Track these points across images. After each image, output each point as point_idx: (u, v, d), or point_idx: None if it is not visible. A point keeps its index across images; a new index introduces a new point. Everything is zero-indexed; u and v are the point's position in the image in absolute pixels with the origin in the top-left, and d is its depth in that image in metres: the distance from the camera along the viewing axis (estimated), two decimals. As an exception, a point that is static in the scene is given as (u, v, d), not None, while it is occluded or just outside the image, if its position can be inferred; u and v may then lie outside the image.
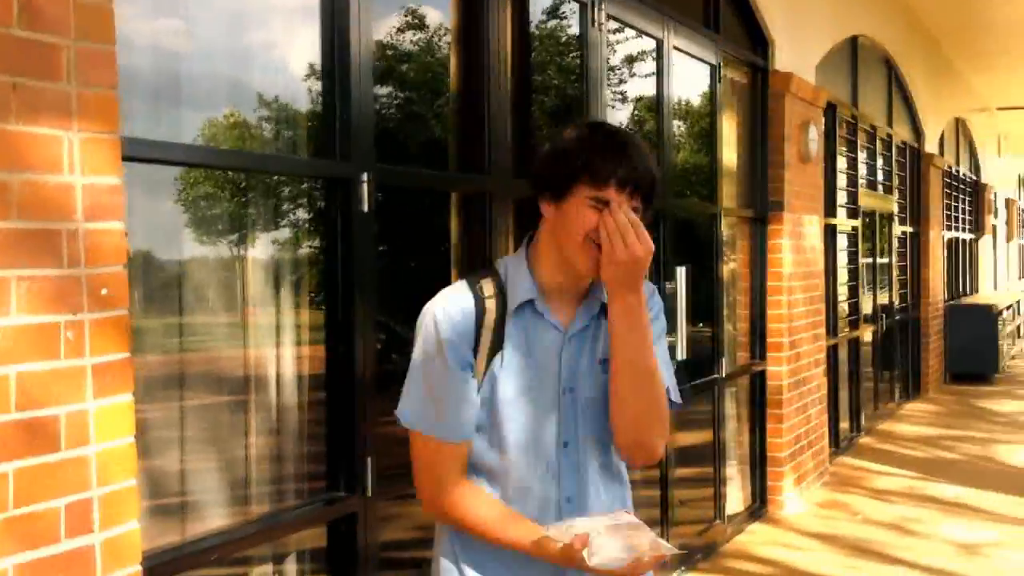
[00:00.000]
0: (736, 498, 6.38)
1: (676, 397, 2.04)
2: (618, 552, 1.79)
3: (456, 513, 1.94)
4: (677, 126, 5.96)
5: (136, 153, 2.35)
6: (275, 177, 3.26)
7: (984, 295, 16.44)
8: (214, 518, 2.93)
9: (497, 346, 1.92)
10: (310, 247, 3.42)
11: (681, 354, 5.32)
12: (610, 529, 1.83)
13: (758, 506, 6.60)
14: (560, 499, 1.96)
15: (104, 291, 2.11)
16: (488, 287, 1.96)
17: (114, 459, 2.13)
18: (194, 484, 3.00)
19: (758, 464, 6.62)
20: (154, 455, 2.80)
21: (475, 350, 1.92)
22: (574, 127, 1.96)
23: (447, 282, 2.07)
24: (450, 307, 1.94)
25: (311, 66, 3.23)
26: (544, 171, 1.95)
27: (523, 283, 1.96)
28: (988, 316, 13.28)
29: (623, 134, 1.94)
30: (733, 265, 6.58)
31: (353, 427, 3.08)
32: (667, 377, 2.01)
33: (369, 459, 3.09)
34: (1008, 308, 15.40)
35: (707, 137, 6.15)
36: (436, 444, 1.92)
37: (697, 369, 5.77)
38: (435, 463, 1.94)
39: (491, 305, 1.94)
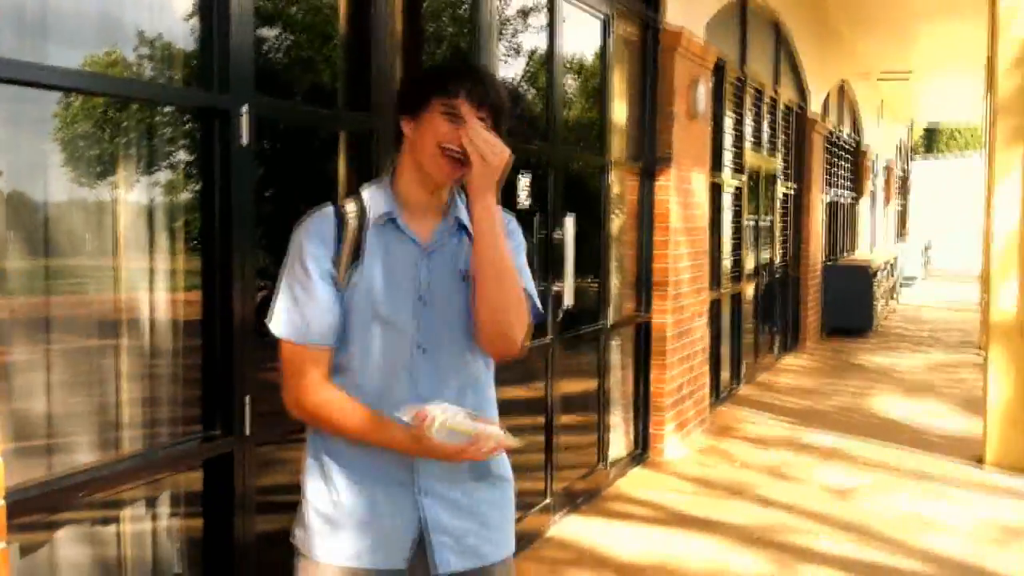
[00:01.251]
0: (619, 444, 6.50)
1: (539, 305, 2.24)
2: (462, 429, 1.94)
3: (319, 413, 2.11)
4: (570, 80, 5.97)
5: (5, 74, 2.25)
6: (153, 117, 3.17)
7: (861, 255, 16.99)
8: (84, 457, 2.86)
9: (356, 257, 2.10)
10: (190, 187, 3.34)
11: (568, 301, 5.38)
12: (457, 413, 1.98)
13: (640, 452, 6.74)
14: (417, 400, 2.05)
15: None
16: (350, 205, 2.15)
17: (-28, 389, 2.05)
18: (65, 426, 2.92)
19: (641, 411, 6.76)
20: (21, 397, 2.71)
21: (335, 261, 2.09)
22: None
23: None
24: (313, 223, 2.13)
25: (192, 3, 3.14)
26: (404, 91, 2.25)
27: (384, 200, 2.15)
28: (864, 275, 13.76)
29: (475, 64, 2.15)
30: (621, 218, 6.65)
31: (230, 368, 3.03)
32: (528, 286, 2.20)
33: (247, 399, 3.04)
34: (884, 268, 15.97)
35: (598, 91, 6.18)
36: (301, 349, 2.09)
37: (583, 318, 5.84)
38: (300, 369, 2.10)
39: (352, 221, 2.12)
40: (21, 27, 2.65)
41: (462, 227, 2.18)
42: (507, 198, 4.62)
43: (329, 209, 2.15)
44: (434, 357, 2.13)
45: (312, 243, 2.10)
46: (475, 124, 2.07)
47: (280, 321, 2.11)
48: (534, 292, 2.23)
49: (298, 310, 2.09)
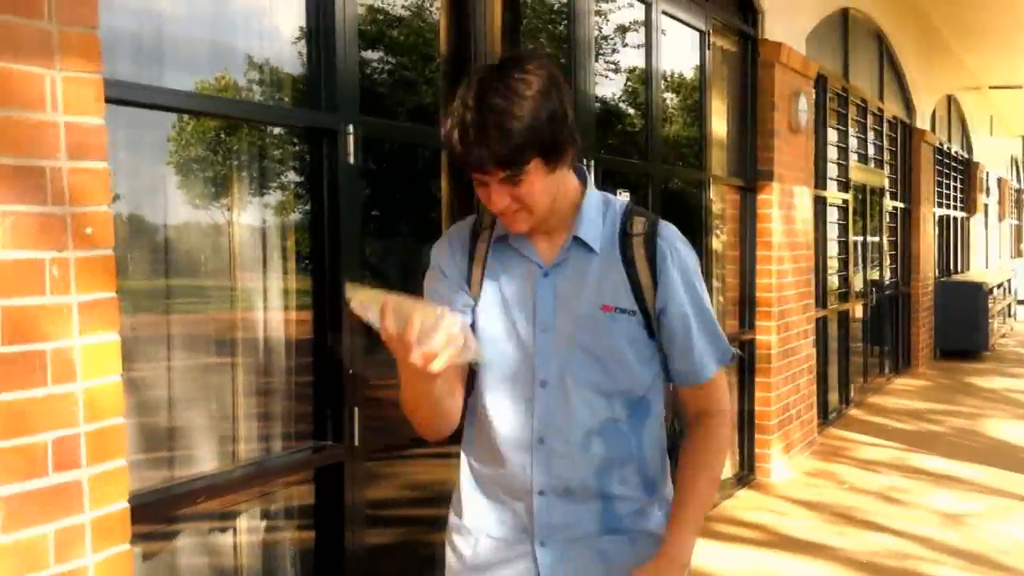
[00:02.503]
0: (725, 465, 6.41)
1: (732, 350, 2.02)
2: (373, 299, 1.64)
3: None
4: (668, 96, 5.98)
5: (121, 95, 2.36)
6: (263, 138, 3.28)
7: (975, 273, 16.49)
8: (202, 466, 2.96)
9: (481, 277, 1.95)
10: (299, 206, 3.44)
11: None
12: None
13: (745, 473, 6.65)
14: (532, 439, 1.91)
15: (88, 230, 2.12)
16: (489, 218, 1.97)
17: (101, 396, 2.15)
18: (184, 437, 3.03)
19: (746, 432, 6.66)
20: (144, 411, 2.83)
21: (466, 275, 1.96)
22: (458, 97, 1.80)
23: (435, 240, 2.07)
24: (449, 235, 2.02)
25: (299, 28, 3.25)
26: None
27: None
28: (978, 293, 13.33)
29: (474, 95, 1.75)
30: (722, 234, 6.60)
31: (340, 381, 3.11)
32: (711, 334, 1.96)
33: (356, 410, 3.11)
34: (999, 286, 15.47)
35: (697, 106, 6.16)
36: None
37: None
38: None
39: (485, 235, 1.97)
40: (137, 54, 2.78)
41: (577, 240, 1.92)
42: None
43: (470, 219, 2.02)
44: (556, 392, 1.90)
45: (443, 256, 1.98)
46: None
47: None
48: (720, 337, 1.99)
49: None
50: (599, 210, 1.95)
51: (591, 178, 1.97)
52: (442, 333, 1.58)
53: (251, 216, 3.29)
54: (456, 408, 1.92)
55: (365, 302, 1.64)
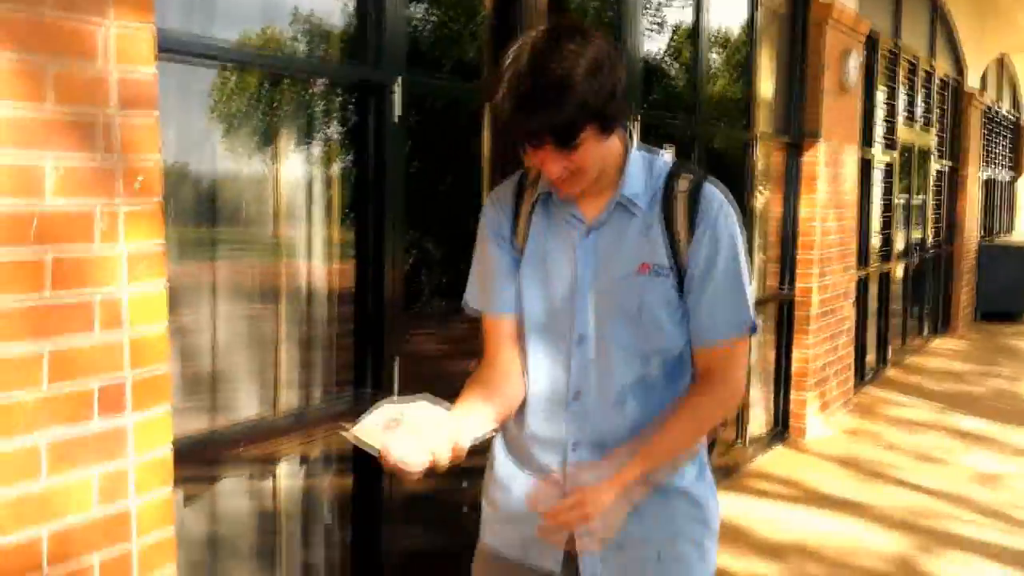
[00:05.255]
0: (759, 421, 6.43)
1: (754, 324, 1.97)
2: (368, 442, 1.71)
3: None
4: (716, 53, 5.91)
5: (171, 46, 2.37)
6: (309, 91, 3.29)
7: (1019, 235, 16.24)
8: (245, 412, 3.01)
9: (526, 232, 1.97)
10: (343, 160, 3.46)
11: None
12: (389, 415, 1.75)
13: (781, 430, 6.66)
14: (568, 394, 1.93)
15: (139, 180, 2.15)
16: (535, 174, 1.98)
17: (146, 344, 2.19)
18: (225, 386, 3.08)
19: (783, 389, 6.66)
20: (188, 358, 2.87)
21: (514, 230, 1.99)
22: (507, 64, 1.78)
23: (479, 198, 2.09)
24: (498, 190, 2.05)
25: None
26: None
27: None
28: (1022, 256, 13.15)
29: (527, 61, 1.74)
30: (767, 192, 6.55)
31: (381, 332, 3.14)
32: (738, 302, 1.93)
33: (396, 360, 3.15)
34: (1044, 249, 15.22)
35: (745, 65, 6.08)
36: (484, 317, 2.01)
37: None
38: (484, 338, 2.01)
39: (532, 192, 1.98)
40: (183, 3, 2.78)
41: (622, 203, 1.92)
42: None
43: (516, 176, 2.03)
44: (592, 350, 1.92)
45: (492, 209, 2.02)
46: (549, 516, 1.80)
47: (468, 294, 2.04)
48: (750, 315, 1.94)
49: (479, 277, 2.02)
50: (643, 169, 1.95)
51: (635, 137, 1.96)
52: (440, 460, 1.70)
53: (294, 167, 3.31)
54: (520, 381, 1.99)
55: (361, 440, 1.70)
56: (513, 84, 1.73)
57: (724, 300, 1.92)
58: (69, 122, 2.02)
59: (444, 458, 1.70)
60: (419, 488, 3.53)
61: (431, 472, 1.71)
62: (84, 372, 2.07)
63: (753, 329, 1.96)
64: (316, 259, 3.29)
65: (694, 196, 1.92)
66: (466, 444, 1.74)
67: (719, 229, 1.91)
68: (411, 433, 1.70)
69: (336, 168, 3.45)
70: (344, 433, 1.73)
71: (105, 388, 2.11)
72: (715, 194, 1.94)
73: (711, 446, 2.12)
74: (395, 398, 1.79)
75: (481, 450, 1.98)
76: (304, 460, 3.32)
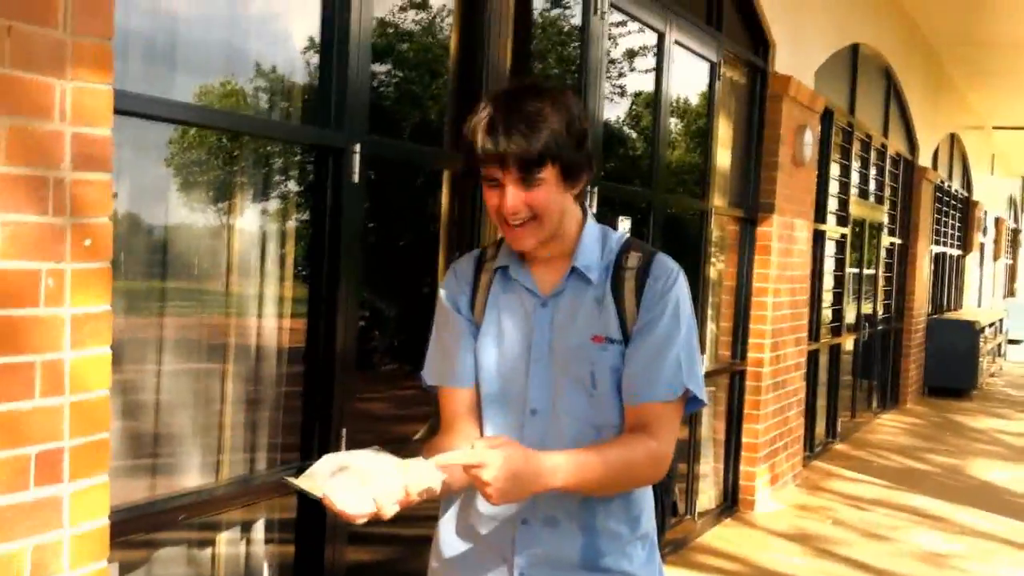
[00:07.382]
0: (709, 495, 6.40)
1: (703, 396, 1.95)
2: (308, 490, 1.68)
3: None
4: (674, 123, 5.97)
5: (128, 107, 2.33)
6: (267, 147, 3.26)
7: (968, 311, 16.51)
8: (185, 480, 2.93)
9: (484, 305, 1.99)
10: (298, 218, 3.42)
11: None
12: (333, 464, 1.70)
13: (730, 504, 6.63)
14: None
15: (87, 242, 2.10)
16: (493, 250, 2.03)
17: (87, 411, 2.12)
18: (167, 447, 3.00)
19: (732, 462, 6.64)
20: (129, 416, 2.80)
21: (471, 304, 2.00)
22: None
23: (434, 260, 2.10)
24: (459, 263, 2.07)
25: (311, 39, 3.22)
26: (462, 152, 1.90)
27: (506, 248, 1.98)
28: (970, 332, 13.34)
29: (502, 100, 1.82)
30: (720, 264, 6.59)
31: (330, 399, 3.08)
32: (687, 374, 1.90)
33: (344, 431, 3.09)
34: (990, 325, 15.48)
35: (702, 135, 6.15)
36: (440, 391, 2.01)
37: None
38: (441, 410, 2.01)
39: (489, 267, 2.01)
40: (143, 55, 2.73)
41: (576, 272, 1.94)
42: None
43: (475, 253, 2.07)
44: (546, 421, 1.91)
45: (451, 282, 2.03)
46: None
47: (426, 370, 2.03)
48: (697, 384, 1.92)
49: (439, 350, 2.01)
50: (598, 241, 1.97)
51: (591, 210, 1.98)
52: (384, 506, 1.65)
53: (249, 223, 3.26)
54: None
55: (303, 488, 1.67)
56: (486, 114, 1.80)
57: (661, 360, 1.89)
58: (20, 178, 1.97)
59: (388, 506, 1.65)
60: (364, 558, 3.46)
61: (376, 520, 1.67)
62: (22, 439, 2.00)
63: (696, 401, 1.94)
64: (267, 316, 3.24)
65: (644, 270, 1.93)
66: (414, 492, 1.67)
67: (667, 294, 1.91)
68: (355, 479, 1.67)
69: (292, 225, 3.41)
70: (288, 479, 1.71)
71: (42, 455, 2.04)
72: (665, 264, 1.95)
73: (661, 527, 2.08)
74: (342, 452, 1.75)
75: (431, 503, 1.94)
76: (246, 527, 3.23)
